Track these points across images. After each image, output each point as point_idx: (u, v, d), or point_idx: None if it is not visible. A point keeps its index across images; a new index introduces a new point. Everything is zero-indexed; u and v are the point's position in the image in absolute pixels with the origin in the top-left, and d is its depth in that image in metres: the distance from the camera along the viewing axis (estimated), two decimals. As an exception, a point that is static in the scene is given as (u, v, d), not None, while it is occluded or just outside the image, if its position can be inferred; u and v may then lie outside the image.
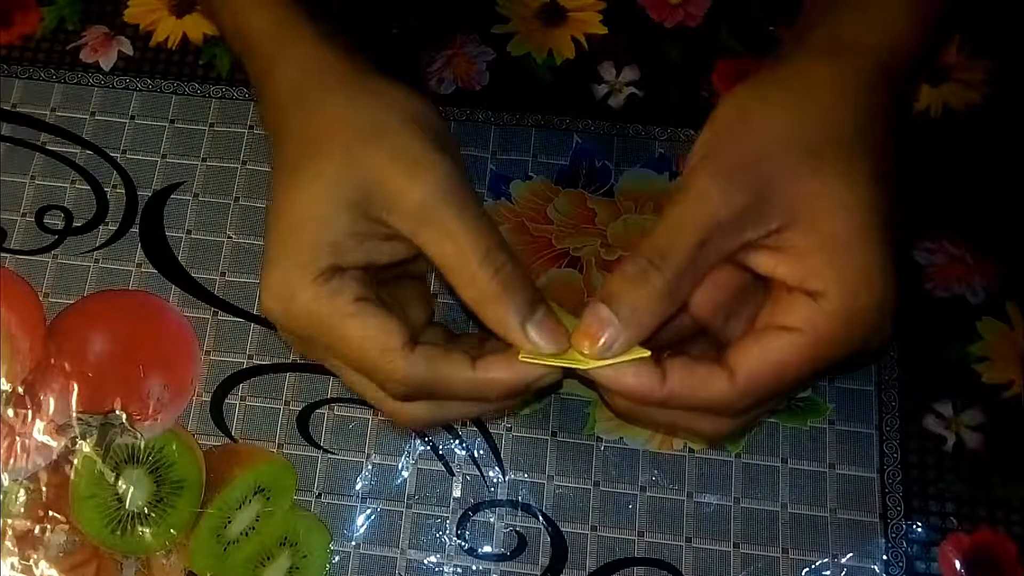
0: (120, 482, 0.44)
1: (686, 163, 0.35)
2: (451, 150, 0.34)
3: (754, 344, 0.33)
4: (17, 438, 0.45)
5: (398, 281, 0.38)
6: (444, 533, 0.43)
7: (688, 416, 0.35)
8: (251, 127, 0.50)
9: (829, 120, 0.33)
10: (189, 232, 0.48)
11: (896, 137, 0.35)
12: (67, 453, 0.44)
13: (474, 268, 0.33)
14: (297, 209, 0.34)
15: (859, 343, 0.33)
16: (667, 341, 0.36)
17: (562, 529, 0.43)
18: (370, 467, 0.44)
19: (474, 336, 0.39)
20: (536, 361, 0.33)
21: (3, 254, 0.48)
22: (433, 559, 0.43)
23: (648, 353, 0.33)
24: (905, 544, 0.42)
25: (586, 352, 0.33)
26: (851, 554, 0.42)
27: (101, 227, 0.48)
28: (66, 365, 0.46)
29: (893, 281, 0.33)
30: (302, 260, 0.33)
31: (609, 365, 0.33)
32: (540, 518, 0.43)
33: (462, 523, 0.43)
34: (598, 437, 0.44)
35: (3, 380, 0.45)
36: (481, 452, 0.44)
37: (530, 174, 0.49)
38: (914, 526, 0.43)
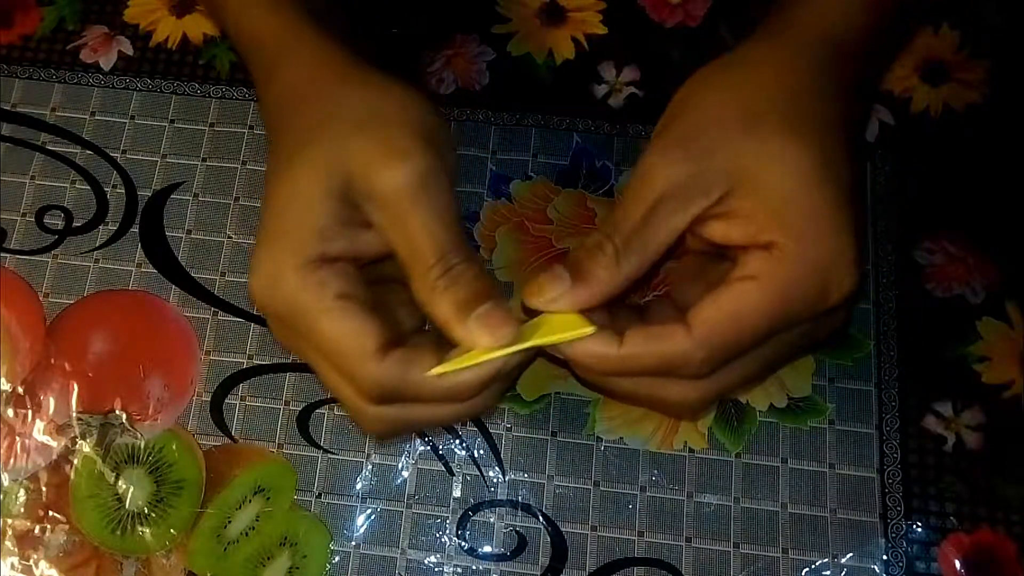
0: (120, 482, 0.44)
1: None
2: (439, 146, 0.35)
3: (710, 297, 0.33)
4: (17, 438, 0.45)
5: (389, 285, 0.38)
6: (444, 533, 0.43)
7: (652, 384, 0.35)
8: (251, 127, 0.50)
9: (768, 92, 0.34)
10: (189, 232, 0.48)
11: (863, 113, 0.36)
12: (67, 453, 0.44)
13: (426, 266, 0.33)
14: (286, 193, 0.34)
15: (818, 290, 0.33)
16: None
17: (562, 529, 0.43)
18: (370, 467, 0.44)
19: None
20: (453, 367, 0.33)
21: (3, 254, 0.48)
22: (433, 559, 0.43)
23: (593, 328, 0.33)
24: (905, 544, 0.42)
25: (533, 302, 0.34)
26: (851, 554, 0.42)
27: (101, 227, 0.48)
28: (66, 365, 0.46)
29: (850, 227, 0.33)
30: (290, 245, 0.34)
31: (545, 342, 0.33)
32: (540, 518, 0.43)
33: (462, 523, 0.43)
34: (598, 437, 0.44)
35: (3, 380, 0.45)
36: (481, 452, 0.44)
37: (530, 174, 0.49)
38: (914, 526, 0.43)
